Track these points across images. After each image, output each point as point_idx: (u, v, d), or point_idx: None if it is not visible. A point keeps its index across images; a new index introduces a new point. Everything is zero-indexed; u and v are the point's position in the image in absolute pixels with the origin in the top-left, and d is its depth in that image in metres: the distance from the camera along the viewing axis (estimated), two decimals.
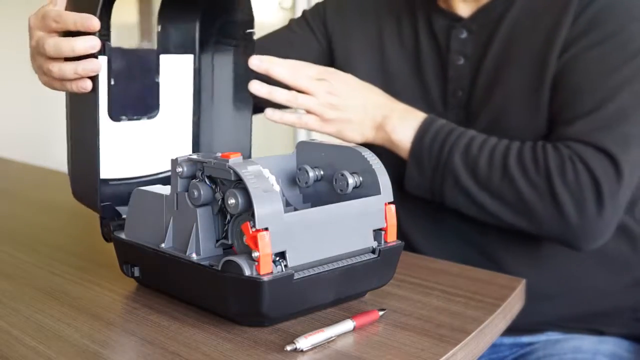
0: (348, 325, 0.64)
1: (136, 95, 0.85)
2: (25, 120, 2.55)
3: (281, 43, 1.12)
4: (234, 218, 0.66)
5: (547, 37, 0.90)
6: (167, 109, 0.87)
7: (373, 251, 0.70)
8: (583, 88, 0.88)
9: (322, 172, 0.75)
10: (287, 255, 0.62)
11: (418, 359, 0.60)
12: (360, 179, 0.71)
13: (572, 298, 0.97)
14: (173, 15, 0.86)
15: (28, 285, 0.77)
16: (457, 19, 0.98)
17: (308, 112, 0.92)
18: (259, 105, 1.02)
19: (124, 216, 0.76)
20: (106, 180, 0.79)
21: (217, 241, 0.68)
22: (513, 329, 0.81)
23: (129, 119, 0.83)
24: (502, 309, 0.74)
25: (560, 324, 0.99)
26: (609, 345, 0.97)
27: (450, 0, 0.98)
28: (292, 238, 0.63)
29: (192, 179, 0.67)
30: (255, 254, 0.60)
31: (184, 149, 0.89)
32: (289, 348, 0.60)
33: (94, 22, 0.68)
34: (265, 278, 0.60)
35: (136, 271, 0.73)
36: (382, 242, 0.70)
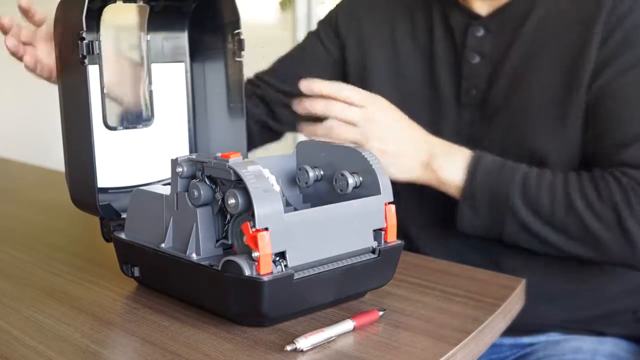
0: (348, 325, 0.64)
1: (130, 104, 0.85)
2: (25, 120, 2.55)
3: (293, 62, 1.13)
4: (234, 218, 0.66)
5: (575, 52, 0.90)
6: (162, 117, 0.87)
7: (373, 251, 0.70)
8: (624, 115, 0.88)
9: (322, 172, 0.75)
10: (287, 255, 0.62)
11: (418, 359, 0.60)
12: (360, 179, 0.71)
13: (573, 301, 0.97)
14: (161, 24, 0.86)
15: (28, 285, 0.77)
16: (475, 16, 0.97)
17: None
18: (276, 129, 1.05)
19: (123, 216, 0.76)
20: (105, 189, 0.79)
21: (217, 241, 0.68)
22: (514, 330, 0.81)
23: (125, 128, 0.84)
24: (502, 309, 0.74)
25: (562, 325, 0.99)
26: (609, 345, 0.97)
27: None
28: (292, 238, 0.63)
29: (192, 179, 0.67)
30: (255, 254, 0.60)
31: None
32: (289, 348, 0.60)
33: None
34: (265, 278, 0.60)
35: (136, 271, 0.73)
36: (382, 242, 0.70)
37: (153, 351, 0.61)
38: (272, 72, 1.16)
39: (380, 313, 0.68)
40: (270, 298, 0.61)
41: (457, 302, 0.74)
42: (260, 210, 0.60)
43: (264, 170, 0.63)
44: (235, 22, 0.83)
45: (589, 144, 0.91)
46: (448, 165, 0.89)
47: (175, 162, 0.67)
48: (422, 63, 1.01)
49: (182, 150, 0.89)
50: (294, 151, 0.77)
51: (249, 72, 1.01)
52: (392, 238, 0.71)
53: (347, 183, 0.71)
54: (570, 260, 0.92)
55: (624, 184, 0.85)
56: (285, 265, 0.62)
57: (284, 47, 1.21)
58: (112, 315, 0.69)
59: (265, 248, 0.60)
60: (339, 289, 0.68)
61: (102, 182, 0.75)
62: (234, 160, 0.63)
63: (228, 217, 0.66)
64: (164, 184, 0.77)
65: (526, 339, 1.00)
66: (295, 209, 0.75)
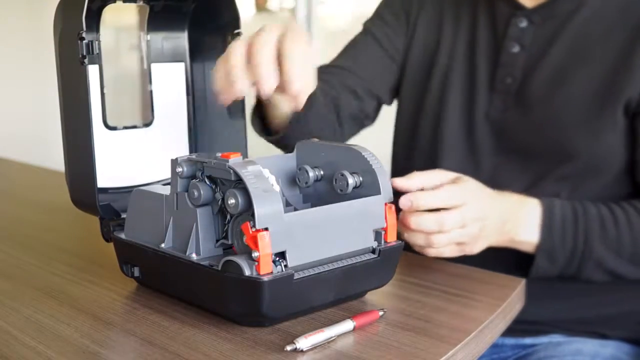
0: (348, 325, 0.64)
1: (130, 104, 0.85)
2: (26, 121, 2.55)
3: (347, 58, 1.10)
4: (234, 218, 0.66)
5: (619, 58, 0.91)
6: (162, 117, 0.87)
7: (373, 251, 0.70)
8: None
9: (322, 172, 0.75)
10: (287, 255, 0.62)
11: (418, 359, 0.60)
12: (360, 179, 0.71)
13: (576, 301, 0.97)
14: (161, 24, 0.86)
15: (28, 285, 0.77)
16: (520, 7, 0.98)
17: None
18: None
19: (123, 216, 0.76)
20: (105, 189, 0.79)
21: (217, 241, 0.68)
22: (516, 331, 0.81)
23: (125, 128, 0.84)
24: (502, 309, 0.74)
25: (564, 326, 0.98)
26: (610, 348, 0.97)
27: None
28: (292, 238, 0.63)
29: (192, 179, 0.67)
30: (255, 254, 0.60)
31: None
32: (289, 348, 0.60)
33: None
34: (265, 278, 0.60)
35: (136, 271, 0.73)
36: (382, 242, 0.70)
37: (153, 351, 0.61)
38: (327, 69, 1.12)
39: (380, 313, 0.68)
40: (270, 298, 0.61)
41: (457, 302, 0.74)
42: (260, 210, 0.60)
43: (264, 170, 0.63)
44: (235, 22, 0.83)
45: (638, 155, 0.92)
46: (521, 225, 0.88)
47: (175, 162, 0.67)
48: (462, 46, 1.02)
49: (182, 150, 0.89)
50: (294, 151, 0.77)
51: None
52: (392, 238, 0.71)
53: (347, 183, 0.71)
54: None
55: None
56: (285, 265, 0.62)
57: None
58: (112, 315, 0.69)
59: (265, 248, 0.60)
60: (339, 289, 0.68)
61: (102, 182, 0.75)
62: (234, 160, 0.63)
63: (228, 217, 0.66)
64: (164, 184, 0.77)
65: (528, 340, 1.00)
66: (295, 209, 0.75)
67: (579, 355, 0.94)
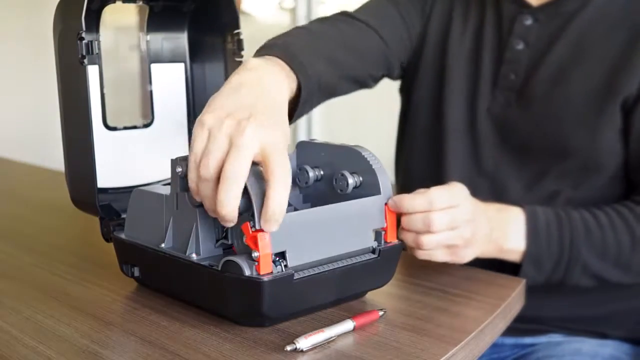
0: (348, 325, 0.64)
1: (130, 104, 0.85)
2: (26, 121, 2.55)
3: (373, 17, 1.05)
4: None
5: (620, 57, 0.91)
6: (162, 117, 0.87)
7: (373, 251, 0.70)
8: None
9: (322, 172, 0.75)
10: (287, 255, 0.62)
11: (418, 359, 0.60)
12: (360, 179, 0.71)
13: (575, 300, 0.97)
14: (161, 25, 0.86)
15: (28, 285, 0.77)
16: (526, 5, 0.99)
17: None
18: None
19: (123, 216, 0.76)
20: (105, 189, 0.79)
21: (217, 241, 0.68)
22: (515, 330, 0.81)
23: (124, 128, 0.84)
24: (502, 309, 0.74)
25: (564, 325, 0.98)
26: (609, 348, 0.97)
27: None
28: (292, 238, 0.63)
29: None
30: (255, 254, 0.60)
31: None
32: (289, 348, 0.60)
33: None
34: (265, 278, 0.60)
35: (136, 271, 0.73)
36: (382, 242, 0.70)
37: (153, 351, 0.61)
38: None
39: (380, 313, 0.68)
40: (270, 298, 0.61)
41: (457, 302, 0.74)
42: (260, 210, 0.60)
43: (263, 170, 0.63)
44: (235, 22, 0.83)
45: (632, 158, 0.92)
46: (508, 233, 0.87)
47: (175, 162, 0.67)
48: (469, 42, 1.03)
49: (182, 150, 0.89)
50: (294, 151, 0.77)
51: None
52: (392, 238, 0.71)
53: (347, 183, 0.71)
54: None
55: None
56: (285, 265, 0.62)
57: None
58: (112, 315, 0.69)
59: (265, 248, 0.60)
60: (339, 289, 0.68)
61: (101, 182, 0.75)
62: None
63: None
64: (164, 184, 0.77)
65: (528, 340, 1.00)
66: (295, 209, 0.75)
67: (578, 354, 0.94)
